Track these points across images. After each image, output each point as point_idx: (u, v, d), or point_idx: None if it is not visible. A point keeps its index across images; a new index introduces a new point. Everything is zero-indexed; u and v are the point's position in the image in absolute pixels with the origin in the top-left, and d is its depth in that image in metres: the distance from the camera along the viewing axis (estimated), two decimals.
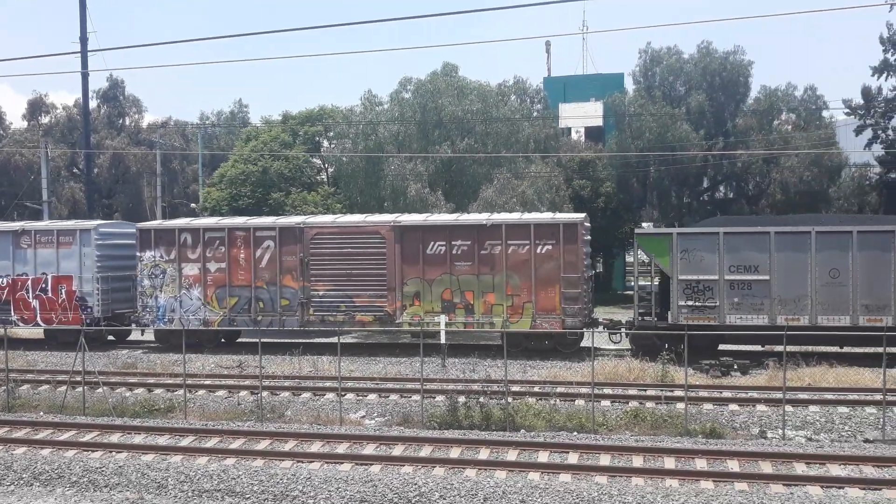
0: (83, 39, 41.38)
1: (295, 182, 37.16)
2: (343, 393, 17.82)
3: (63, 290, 25.70)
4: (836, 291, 20.52)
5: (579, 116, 47.69)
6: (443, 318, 22.45)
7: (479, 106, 33.23)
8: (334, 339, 23.99)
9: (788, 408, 15.92)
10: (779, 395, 16.40)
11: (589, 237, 23.60)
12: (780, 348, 21.46)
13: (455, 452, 13.86)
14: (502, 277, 22.64)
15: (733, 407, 16.64)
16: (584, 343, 22.83)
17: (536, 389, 18.02)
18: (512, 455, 13.63)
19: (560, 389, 17.72)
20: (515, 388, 17.79)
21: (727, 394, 17.65)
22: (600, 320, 23.77)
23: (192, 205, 46.36)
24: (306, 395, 18.56)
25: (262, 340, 25.34)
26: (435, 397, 17.36)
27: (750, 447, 13.83)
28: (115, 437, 15.40)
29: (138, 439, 15.27)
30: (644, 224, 44.56)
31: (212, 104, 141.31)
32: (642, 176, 39.21)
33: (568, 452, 13.69)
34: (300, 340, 24.54)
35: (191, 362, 21.98)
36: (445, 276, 23.02)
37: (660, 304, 22.38)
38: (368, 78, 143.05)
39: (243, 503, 12.26)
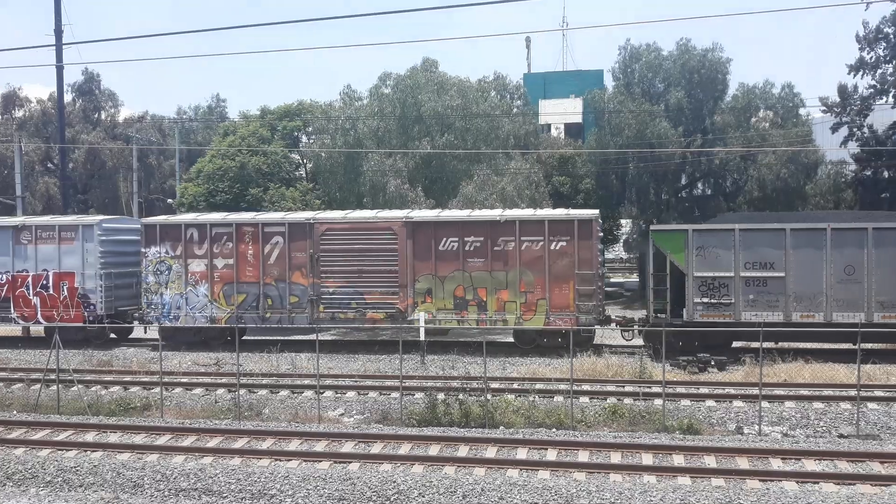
0: (58, 32, 40.76)
1: (273, 178, 36.90)
2: (321, 390, 17.75)
3: (65, 287, 25.24)
4: (851, 288, 20.64)
5: (559, 113, 47.81)
6: (422, 315, 22.39)
7: (459, 102, 33.15)
8: (313, 336, 23.86)
9: (765, 404, 16.07)
10: (755, 391, 16.54)
11: (602, 234, 23.43)
12: (795, 345, 21.71)
13: (434, 450, 13.85)
14: (516, 274, 22.54)
15: (710, 403, 16.76)
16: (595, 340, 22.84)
17: (516, 386, 18.06)
18: (491, 452, 13.64)
19: (539, 386, 17.78)
20: (495, 385, 17.81)
21: (704, 390, 17.77)
22: (613, 317, 23.70)
23: (169, 200, 45.94)
24: (284, 392, 18.46)
25: (269, 338, 25.23)
26: (414, 394, 17.33)
27: (727, 443, 13.94)
28: (89, 436, 15.22)
29: (114, 438, 15.11)
30: (622, 221, 44.89)
31: (189, 99, 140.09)
32: (621, 172, 39.33)
33: (546, 449, 13.72)
34: (309, 337, 24.24)
35: (167, 360, 21.79)
36: (458, 273, 22.88)
37: (674, 301, 22.12)
38: (348, 73, 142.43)
39: (221, 502, 12.16)
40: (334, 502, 11.92)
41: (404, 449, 13.97)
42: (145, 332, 26.58)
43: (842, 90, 38.57)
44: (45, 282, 25.40)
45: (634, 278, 44.62)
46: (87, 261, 25.12)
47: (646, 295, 22.69)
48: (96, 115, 56.39)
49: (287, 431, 15.04)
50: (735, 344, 22.13)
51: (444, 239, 22.96)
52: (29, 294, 25.52)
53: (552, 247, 22.40)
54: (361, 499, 11.91)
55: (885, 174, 38.96)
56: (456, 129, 33.10)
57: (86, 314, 25.00)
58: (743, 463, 12.90)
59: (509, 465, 12.93)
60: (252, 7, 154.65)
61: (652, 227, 22.70)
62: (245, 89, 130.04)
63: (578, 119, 47.62)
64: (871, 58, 38.86)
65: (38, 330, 26.99)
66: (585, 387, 17.95)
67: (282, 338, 25.69)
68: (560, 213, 23.77)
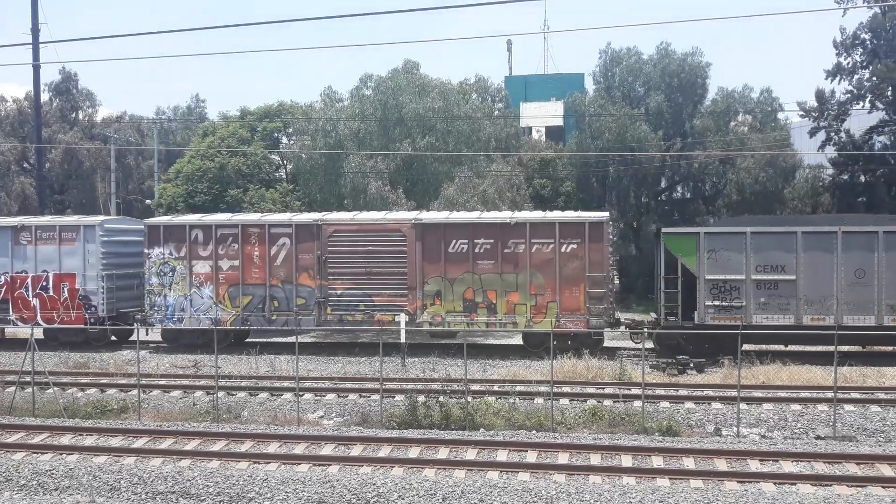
0: (34, 30, 40.30)
1: (253, 179, 36.75)
2: (301, 393, 17.65)
3: (66, 289, 24.84)
4: (862, 291, 20.77)
5: (540, 116, 47.95)
6: (402, 318, 22.33)
7: (440, 104, 33.15)
8: (292, 339, 23.71)
9: (743, 405, 16.17)
10: (733, 392, 16.65)
11: (612, 237, 23.41)
12: (809, 348, 21.85)
13: (414, 452, 13.81)
14: (526, 276, 22.44)
15: (689, 405, 16.85)
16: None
17: (496, 388, 18.05)
18: (471, 454, 13.62)
19: (519, 388, 17.77)
20: (475, 387, 17.78)
21: (683, 392, 17.87)
22: (622, 320, 23.65)
23: (148, 201, 45.59)
24: (263, 395, 18.34)
25: (273, 340, 25.03)
26: (394, 397, 17.27)
27: (705, 445, 14.01)
28: (65, 439, 15.05)
29: (90, 441, 14.94)
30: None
31: (168, 99, 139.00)
32: (602, 176, 39.54)
33: (527, 451, 13.72)
34: (289, 339, 24.10)
35: (145, 362, 21.60)
36: (468, 275, 22.75)
37: (683, 304, 22.04)
38: (329, 74, 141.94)
39: None
40: None
41: (384, 451, 13.93)
42: (147, 334, 26.25)
43: (819, 95, 38.98)
44: (44, 283, 24.98)
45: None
46: (88, 262, 24.73)
47: (656, 297, 22.64)
48: (73, 115, 55.76)
49: (266, 434, 14.94)
50: (746, 346, 21.90)
51: (454, 241, 22.83)
52: (28, 295, 25.07)
53: (563, 249, 22.32)
54: (341, 501, 11.84)
55: (862, 178, 39.41)
56: (437, 131, 33.11)
57: (87, 316, 24.60)
58: (721, 464, 12.97)
59: (489, 468, 12.92)
60: (232, 7, 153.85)
61: (664, 230, 22.65)
62: (225, 90, 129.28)
63: (559, 122, 47.80)
64: (849, 63, 39.31)
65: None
66: (566, 388, 17.98)
67: (288, 340, 25.56)
68: (571, 215, 23.70)
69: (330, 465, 13.27)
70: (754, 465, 12.92)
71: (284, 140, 41.16)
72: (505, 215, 23.72)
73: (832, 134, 39.20)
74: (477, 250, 22.72)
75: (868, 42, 38.93)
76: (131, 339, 26.26)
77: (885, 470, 12.61)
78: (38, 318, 25.02)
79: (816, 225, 21.57)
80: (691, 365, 20.50)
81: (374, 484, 12.24)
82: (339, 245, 23.37)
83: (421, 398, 16.07)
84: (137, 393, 17.30)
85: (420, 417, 15.63)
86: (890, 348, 21.75)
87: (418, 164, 33.17)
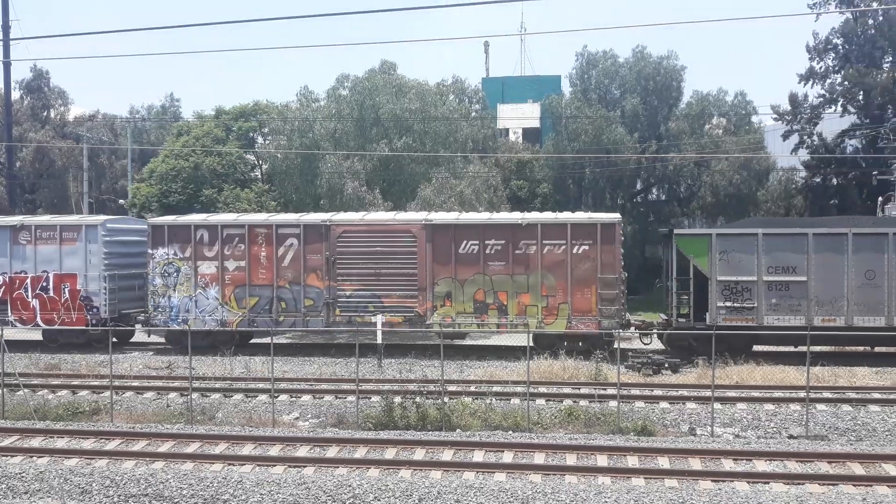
0: (5, 27, 39.82)
1: (228, 179, 36.45)
2: (276, 394, 17.52)
3: (66, 290, 24.38)
4: (872, 292, 20.92)
5: (517, 118, 48.07)
6: (379, 318, 22.23)
7: (417, 105, 33.11)
8: (267, 340, 23.56)
9: (717, 405, 16.28)
10: (708, 392, 16.75)
11: (623, 238, 23.39)
12: (815, 348, 21.87)
13: (390, 453, 13.75)
14: (537, 278, 22.34)
15: (664, 405, 16.95)
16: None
17: (473, 389, 18.04)
18: (447, 455, 13.59)
19: (496, 389, 17.77)
20: (452, 388, 17.76)
21: (658, 392, 17.97)
22: (632, 322, 23.60)
23: (121, 201, 45.07)
24: (238, 396, 18.18)
25: (278, 342, 24.73)
26: (371, 398, 17.19)
27: (680, 444, 14.08)
28: (35, 442, 14.80)
29: (61, 443, 14.71)
30: None
31: (142, 98, 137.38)
32: (578, 177, 39.74)
33: (503, 451, 13.72)
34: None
35: (118, 363, 21.34)
36: (478, 276, 22.61)
37: (695, 305, 22.04)
38: (305, 74, 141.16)
39: None
40: None
41: (360, 452, 13.86)
42: (149, 336, 25.81)
43: (792, 99, 39.50)
44: (44, 283, 24.51)
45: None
46: (90, 262, 24.31)
47: (668, 298, 22.65)
48: (45, 114, 55.06)
49: (241, 436, 14.80)
50: (756, 347, 22.03)
51: (465, 242, 22.70)
52: (27, 296, 24.58)
53: (574, 250, 22.24)
54: (316, 503, 11.77)
55: (834, 181, 39.98)
56: (414, 132, 33.08)
57: (89, 317, 24.18)
58: (696, 464, 13.05)
59: (466, 468, 12.90)
60: (207, 5, 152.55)
61: (676, 231, 22.69)
62: (200, 89, 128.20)
63: (536, 124, 47.96)
64: (821, 68, 39.90)
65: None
66: (542, 389, 18.01)
67: (296, 341, 25.34)
68: (583, 216, 23.65)
69: (305, 466, 13.18)
70: (728, 465, 13.01)
71: (260, 140, 40.89)
72: (516, 216, 23.62)
73: (805, 137, 39.75)
74: (488, 251, 22.60)
75: (840, 47, 39.53)
76: (132, 340, 25.98)
77: (857, 468, 12.76)
78: (38, 319, 24.58)
79: (827, 226, 21.69)
80: (666, 365, 20.63)
81: (349, 485, 12.18)
82: (349, 246, 23.17)
83: (397, 399, 16.01)
84: (110, 394, 17.09)
85: (396, 418, 15.58)
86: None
87: (395, 165, 33.11)
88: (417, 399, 15.88)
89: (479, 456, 13.53)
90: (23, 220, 25.29)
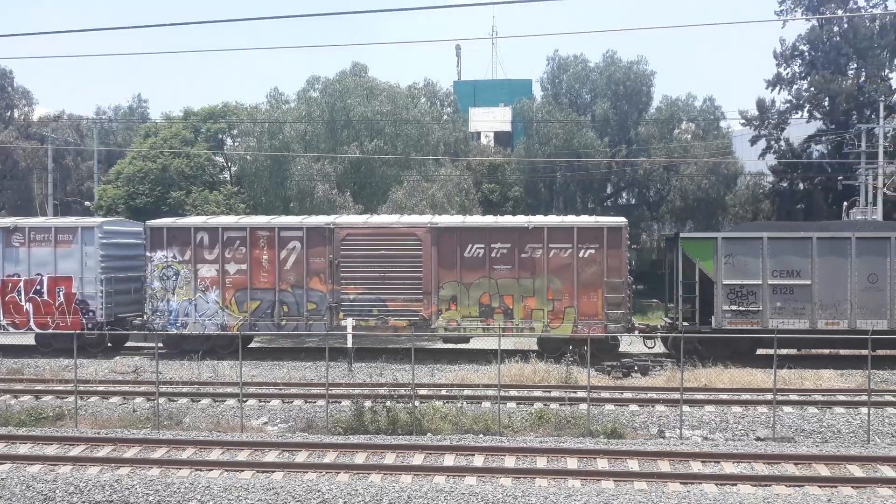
0: None
1: (196, 181, 36.08)
2: (244, 399, 17.32)
3: (61, 293, 23.72)
4: (875, 296, 21.13)
5: (488, 121, 48.22)
6: (349, 321, 22.09)
7: (388, 107, 33.06)
8: (265, 344, 23.22)
9: (686, 408, 16.41)
10: (677, 395, 16.88)
11: (629, 242, 23.30)
12: (824, 351, 22.25)
13: (360, 458, 13.67)
14: (543, 281, 22.18)
15: (634, 407, 17.03)
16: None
17: (444, 393, 17.98)
18: (418, 459, 13.53)
19: (467, 392, 17.75)
20: (423, 392, 17.68)
21: (628, 395, 18.06)
22: (636, 325, 23.59)
23: (87, 203, 44.38)
24: (206, 401, 17.94)
25: (278, 346, 24.34)
26: (341, 402, 17.08)
27: (649, 447, 14.17)
28: None
29: (23, 449, 14.41)
30: None
31: (109, 98, 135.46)
32: (549, 181, 39.95)
33: (474, 455, 13.69)
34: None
35: (83, 367, 20.99)
36: (484, 280, 22.40)
37: (700, 308, 22.06)
38: (275, 75, 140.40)
39: None
40: None
41: (330, 457, 13.75)
42: (145, 340, 25.31)
43: (760, 104, 40.05)
44: (38, 287, 23.84)
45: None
46: (86, 265, 23.67)
47: (673, 302, 22.71)
48: (8, 114, 54.07)
49: (208, 441, 14.61)
50: (759, 351, 22.15)
51: (470, 245, 22.51)
52: (20, 300, 23.88)
53: (581, 254, 22.13)
54: None
55: (801, 186, 40.59)
56: (385, 135, 33.01)
57: (84, 321, 23.58)
58: (665, 466, 13.13)
59: (436, 472, 12.85)
60: (175, 5, 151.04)
61: (681, 235, 22.74)
62: (168, 90, 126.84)
63: (508, 127, 48.13)
64: (788, 74, 40.49)
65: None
66: (513, 392, 18.03)
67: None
68: (589, 220, 23.51)
69: (274, 471, 13.05)
70: (696, 467, 13.11)
71: (229, 142, 40.54)
72: (522, 219, 23.49)
73: (772, 142, 40.32)
74: (493, 255, 22.44)
75: (806, 53, 40.15)
76: (127, 344, 25.48)
77: (822, 470, 12.92)
78: (32, 323, 23.95)
79: (831, 230, 21.95)
80: (636, 368, 20.73)
81: (319, 490, 12.08)
82: (353, 249, 22.88)
83: (368, 403, 15.91)
84: (74, 399, 16.79)
85: (367, 423, 15.48)
86: None
87: (366, 168, 33.00)
88: (388, 403, 15.80)
89: (449, 460, 13.49)
90: (16, 222, 24.59)
